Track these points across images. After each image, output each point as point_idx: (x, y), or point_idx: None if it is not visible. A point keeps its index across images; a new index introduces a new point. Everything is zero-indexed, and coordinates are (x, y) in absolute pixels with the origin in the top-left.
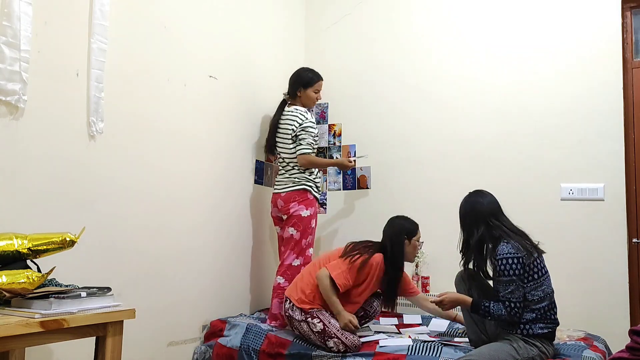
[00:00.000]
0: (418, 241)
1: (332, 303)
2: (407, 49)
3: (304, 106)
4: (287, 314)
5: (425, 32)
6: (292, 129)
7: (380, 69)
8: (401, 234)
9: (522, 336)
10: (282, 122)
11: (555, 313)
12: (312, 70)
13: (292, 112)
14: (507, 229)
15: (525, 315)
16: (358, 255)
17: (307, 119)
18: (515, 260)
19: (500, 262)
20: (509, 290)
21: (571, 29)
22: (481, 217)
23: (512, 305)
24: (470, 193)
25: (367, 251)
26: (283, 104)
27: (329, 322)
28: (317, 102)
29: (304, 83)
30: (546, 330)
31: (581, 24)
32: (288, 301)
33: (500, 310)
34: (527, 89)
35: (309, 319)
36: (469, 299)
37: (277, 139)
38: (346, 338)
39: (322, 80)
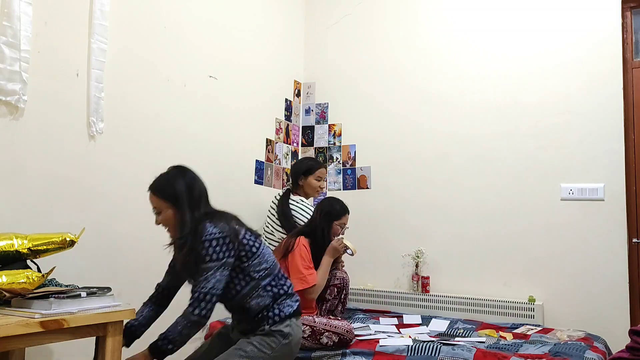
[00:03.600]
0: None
1: (325, 271)
2: (407, 48)
3: (306, 196)
4: None
5: (426, 32)
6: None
7: (380, 69)
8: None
9: (269, 328)
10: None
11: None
12: (313, 159)
13: (297, 203)
14: (216, 210)
15: (263, 300)
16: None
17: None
18: (221, 241)
19: (204, 244)
20: (212, 279)
21: (571, 29)
22: (204, 195)
23: (208, 299)
24: (183, 167)
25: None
26: (287, 193)
27: (314, 321)
28: (320, 189)
29: (304, 170)
30: (295, 306)
31: (581, 24)
32: None
33: (185, 319)
34: (527, 88)
35: None
36: (146, 353)
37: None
38: (336, 327)
39: (325, 168)
